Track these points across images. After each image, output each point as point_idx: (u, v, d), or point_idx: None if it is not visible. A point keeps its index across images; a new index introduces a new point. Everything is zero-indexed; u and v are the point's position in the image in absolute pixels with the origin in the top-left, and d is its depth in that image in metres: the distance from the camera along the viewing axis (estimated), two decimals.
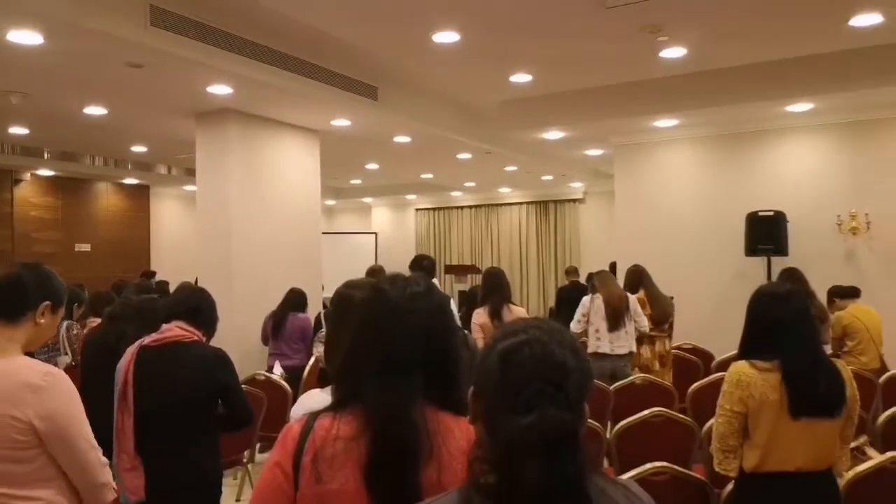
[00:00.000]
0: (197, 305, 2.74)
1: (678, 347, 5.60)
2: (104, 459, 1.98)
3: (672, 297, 5.70)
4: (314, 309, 6.49)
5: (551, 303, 12.71)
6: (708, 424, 3.24)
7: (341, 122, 6.64)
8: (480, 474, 0.95)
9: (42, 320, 1.96)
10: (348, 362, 1.34)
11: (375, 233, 14.17)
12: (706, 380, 4.27)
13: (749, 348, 2.42)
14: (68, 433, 1.83)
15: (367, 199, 14.73)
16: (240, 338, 6.05)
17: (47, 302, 1.96)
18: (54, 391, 1.83)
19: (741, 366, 2.38)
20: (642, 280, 5.48)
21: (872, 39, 5.23)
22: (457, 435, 1.27)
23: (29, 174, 9.76)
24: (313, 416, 1.30)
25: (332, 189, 13.42)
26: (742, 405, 2.33)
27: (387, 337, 1.30)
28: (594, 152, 8.69)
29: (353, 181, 12.43)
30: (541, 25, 4.79)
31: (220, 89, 5.38)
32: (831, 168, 6.76)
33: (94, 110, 6.19)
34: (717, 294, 7.07)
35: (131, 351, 2.59)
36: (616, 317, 5.08)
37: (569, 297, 7.61)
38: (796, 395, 2.25)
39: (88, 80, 5.20)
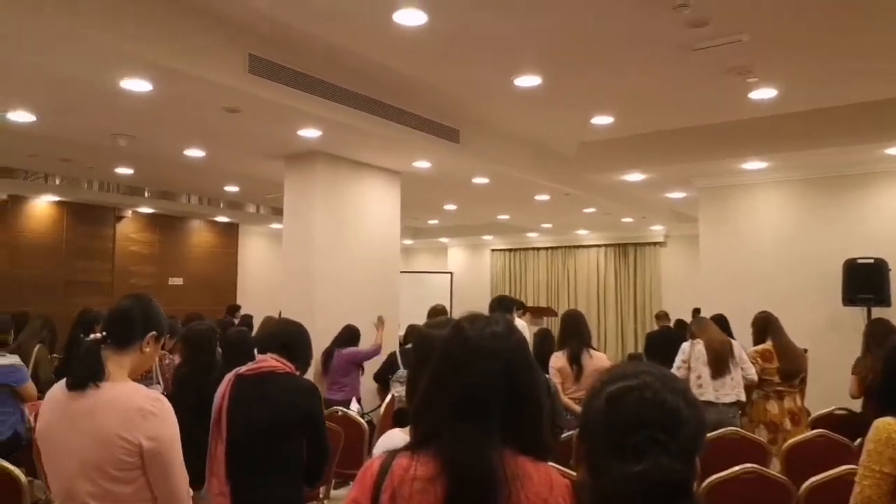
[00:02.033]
0: (292, 341, 2.81)
1: None
2: (191, 491, 2.04)
3: (806, 350, 5.30)
4: (390, 347, 6.55)
5: (630, 348, 12.35)
6: (806, 485, 3.04)
7: (422, 164, 6.79)
8: None
9: (147, 349, 2.07)
10: (426, 401, 1.34)
11: (451, 272, 14.26)
12: (802, 437, 4.01)
13: (889, 402, 2.24)
14: (169, 457, 1.91)
15: (444, 240, 14.89)
16: (317, 376, 6.16)
17: (153, 332, 2.07)
18: (162, 417, 1.92)
19: (889, 422, 2.18)
20: (769, 328, 5.02)
21: None
22: (535, 480, 1.24)
23: (130, 211, 10.44)
24: (392, 454, 1.30)
25: (409, 229, 13.66)
26: (894, 466, 2.14)
27: (465, 377, 1.28)
28: (676, 195, 8.49)
29: (430, 221, 12.62)
30: (624, 68, 4.78)
31: (309, 132, 5.62)
32: None
33: (193, 152, 6.59)
34: (810, 345, 6.65)
35: (228, 379, 2.68)
36: (720, 363, 4.77)
37: (659, 343, 7.35)
38: None
39: (189, 124, 5.55)
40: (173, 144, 6.33)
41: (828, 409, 4.76)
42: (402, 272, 8.15)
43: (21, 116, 5.35)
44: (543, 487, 1.24)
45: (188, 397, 3.46)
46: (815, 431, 4.02)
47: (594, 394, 0.97)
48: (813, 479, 3.04)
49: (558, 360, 4.78)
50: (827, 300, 6.52)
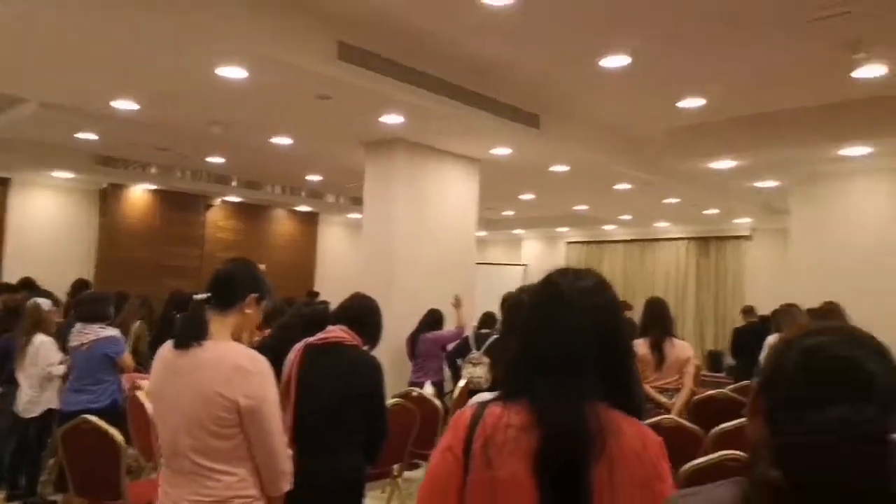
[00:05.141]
0: (363, 315, 2.84)
1: None
2: (289, 451, 2.11)
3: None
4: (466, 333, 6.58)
5: (709, 346, 11.92)
6: None
7: (501, 151, 6.77)
8: (760, 470, 0.90)
9: (249, 311, 2.14)
10: (518, 356, 1.34)
11: (525, 265, 14.17)
12: None
13: None
14: (265, 415, 1.97)
15: (518, 231, 14.80)
16: (396, 359, 6.25)
17: (254, 294, 2.15)
18: (260, 375, 1.99)
19: None
20: (784, 322, 4.83)
21: None
22: (628, 434, 1.23)
23: (219, 200, 10.92)
24: (483, 404, 1.31)
25: (483, 220, 13.62)
26: None
27: (559, 330, 1.28)
28: (767, 184, 8.10)
29: (505, 213, 12.57)
30: (722, 43, 4.56)
31: (392, 118, 5.70)
32: None
33: (281, 140, 6.81)
34: None
35: (298, 347, 2.73)
36: None
37: (747, 339, 7.09)
38: None
39: (281, 111, 5.74)
40: (263, 132, 6.56)
41: None
42: (478, 264, 8.16)
43: (124, 105, 5.68)
44: (636, 441, 1.24)
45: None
46: None
47: (786, 345, 0.93)
48: None
49: (640, 347, 4.68)
50: None
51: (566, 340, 1.27)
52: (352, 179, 8.33)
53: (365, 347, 2.81)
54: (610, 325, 1.32)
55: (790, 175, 7.24)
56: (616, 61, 4.84)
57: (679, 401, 4.50)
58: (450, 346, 6.21)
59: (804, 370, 0.89)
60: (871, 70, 4.82)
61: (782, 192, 7.87)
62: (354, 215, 11.68)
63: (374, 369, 2.71)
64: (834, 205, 6.98)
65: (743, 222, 11.68)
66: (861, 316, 5.64)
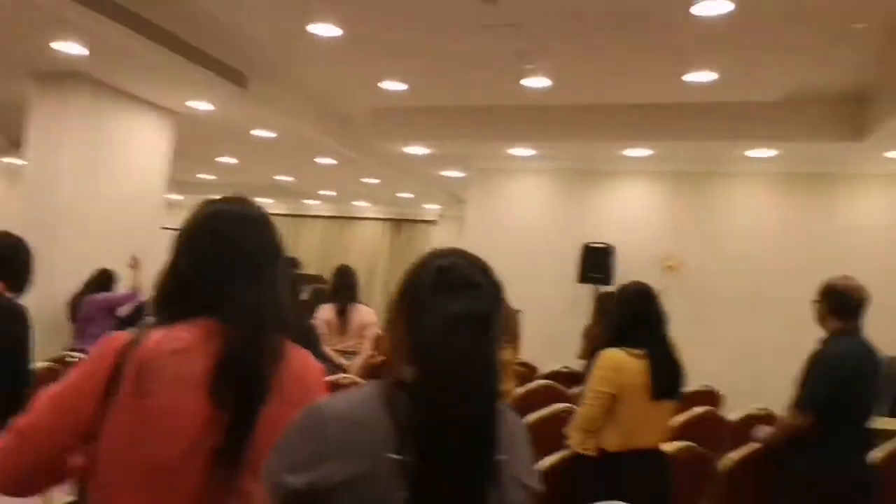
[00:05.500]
0: (4, 256, 2.49)
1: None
2: None
3: (519, 311, 5.97)
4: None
5: None
6: (530, 420, 3.50)
7: (202, 106, 6.35)
8: (398, 370, 1.07)
9: None
10: (189, 280, 1.30)
11: None
12: (533, 385, 4.60)
13: (618, 338, 2.74)
14: None
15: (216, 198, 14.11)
16: (55, 322, 5.53)
17: None
18: None
19: (616, 352, 2.68)
20: None
21: (705, 96, 5.76)
22: (294, 358, 1.29)
23: None
24: (142, 329, 1.25)
25: (177, 183, 12.62)
26: (616, 388, 2.62)
27: (235, 249, 1.29)
28: (453, 174, 9.00)
29: (201, 175, 11.83)
30: (421, 32, 4.86)
31: (70, 48, 4.96)
32: (658, 210, 7.57)
33: None
34: (551, 317, 7.57)
35: None
36: None
37: None
38: (659, 379, 2.63)
39: None
40: None
41: (555, 368, 5.56)
42: (164, 229, 7.55)
43: None
44: (300, 366, 1.31)
45: None
46: (542, 382, 4.71)
47: (423, 263, 1.15)
48: (536, 413, 3.54)
49: (326, 311, 4.88)
50: (568, 279, 7.46)
51: (238, 263, 1.28)
52: (11, 117, 7.04)
53: (8, 295, 2.45)
54: (273, 251, 1.35)
55: (469, 167, 8.16)
56: (326, 30, 4.88)
57: (357, 361, 4.79)
58: (122, 311, 5.67)
59: (436, 281, 1.10)
60: (538, 81, 5.65)
61: (464, 183, 8.84)
62: (12, 160, 9.88)
63: (17, 316, 2.40)
64: (501, 198, 8.08)
65: (432, 208, 12.82)
66: (515, 297, 6.70)
